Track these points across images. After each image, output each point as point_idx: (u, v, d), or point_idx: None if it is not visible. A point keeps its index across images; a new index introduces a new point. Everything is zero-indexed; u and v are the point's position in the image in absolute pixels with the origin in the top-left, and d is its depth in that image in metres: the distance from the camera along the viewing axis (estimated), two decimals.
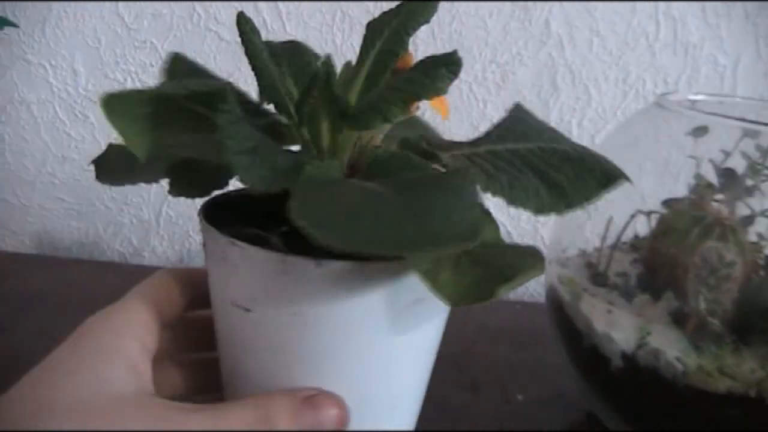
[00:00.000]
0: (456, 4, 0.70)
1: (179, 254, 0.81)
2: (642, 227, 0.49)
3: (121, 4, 0.73)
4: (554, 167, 0.32)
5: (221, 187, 0.35)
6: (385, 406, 0.35)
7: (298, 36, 0.71)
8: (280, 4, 0.72)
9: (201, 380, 0.38)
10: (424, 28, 0.36)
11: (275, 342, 0.32)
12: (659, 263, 0.45)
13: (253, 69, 0.34)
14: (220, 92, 0.30)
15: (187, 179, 0.34)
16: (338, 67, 0.36)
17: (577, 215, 0.37)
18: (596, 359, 0.44)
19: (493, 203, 0.32)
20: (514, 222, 0.78)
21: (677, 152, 0.49)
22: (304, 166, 0.29)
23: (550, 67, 0.73)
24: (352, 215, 0.26)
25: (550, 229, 0.57)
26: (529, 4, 0.71)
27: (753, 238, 0.45)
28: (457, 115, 0.74)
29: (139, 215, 0.79)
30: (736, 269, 0.41)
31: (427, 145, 0.34)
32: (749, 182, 0.47)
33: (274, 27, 0.72)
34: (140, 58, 0.74)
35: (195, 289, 0.36)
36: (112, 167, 0.36)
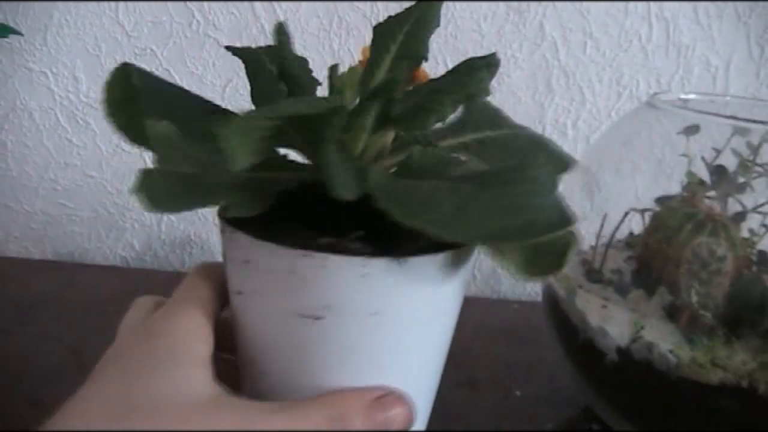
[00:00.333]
0: (451, 7, 0.71)
1: (181, 258, 0.82)
2: (637, 225, 0.50)
3: (121, 12, 0.74)
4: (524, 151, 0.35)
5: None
6: (428, 400, 0.37)
7: (296, 41, 0.72)
8: (278, 10, 0.73)
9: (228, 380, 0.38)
10: None
11: (346, 344, 0.32)
12: (653, 259, 0.46)
13: (290, 77, 0.34)
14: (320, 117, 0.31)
15: (248, 197, 0.32)
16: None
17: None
18: (591, 354, 0.45)
19: None
20: None
21: (670, 151, 0.50)
22: (367, 173, 0.30)
23: (544, 69, 0.74)
24: (459, 212, 0.27)
25: None
26: (523, 6, 0.72)
27: (745, 234, 0.46)
28: (453, 117, 0.75)
29: (141, 220, 0.80)
30: (726, 264, 0.42)
31: (428, 139, 0.35)
32: (740, 179, 0.48)
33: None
34: (140, 65, 0.75)
35: (224, 286, 0.36)
36: (163, 194, 0.32)
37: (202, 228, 0.81)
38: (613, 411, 0.47)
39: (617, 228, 0.48)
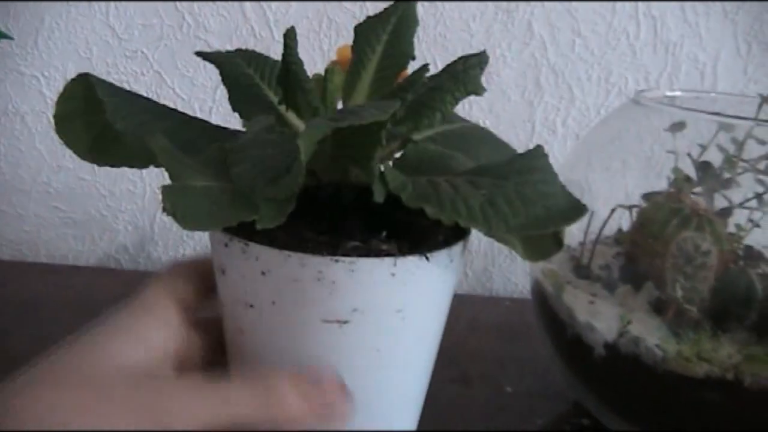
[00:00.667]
0: (440, 7, 0.71)
1: (174, 260, 0.82)
2: (627, 222, 0.50)
3: (111, 15, 0.74)
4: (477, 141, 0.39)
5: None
6: (424, 395, 0.37)
7: None
8: (268, 11, 0.73)
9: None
10: None
11: (371, 344, 0.32)
12: (640, 254, 0.47)
13: (300, 81, 0.34)
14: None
15: (276, 208, 0.31)
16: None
17: None
18: (579, 349, 0.45)
19: None
20: None
21: (655, 147, 0.50)
22: (386, 175, 0.31)
23: (533, 67, 0.74)
24: (488, 204, 0.29)
25: None
26: (512, 6, 0.72)
27: (732, 229, 0.47)
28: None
29: (134, 222, 0.81)
30: (711, 258, 0.42)
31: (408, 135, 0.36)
32: (726, 175, 0.48)
33: (262, 34, 0.73)
34: (131, 68, 0.75)
35: (207, 280, 0.36)
36: (194, 211, 0.29)
37: None
38: (602, 405, 0.48)
39: (604, 224, 0.49)
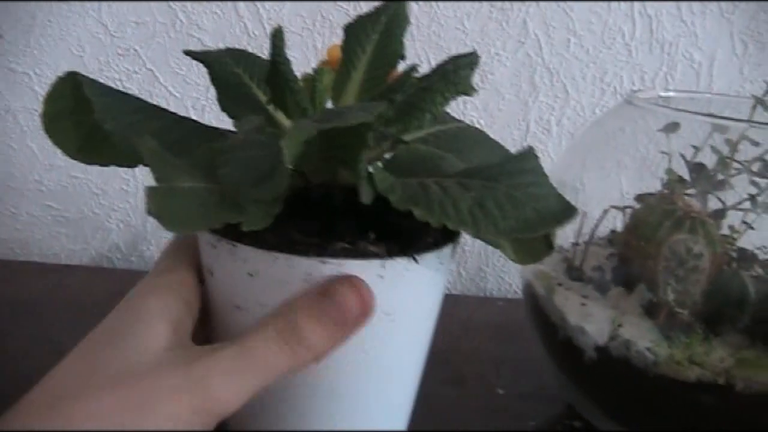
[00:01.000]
0: (434, 6, 0.71)
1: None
2: (621, 223, 0.50)
3: (104, 12, 0.73)
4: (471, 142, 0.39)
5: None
6: (412, 395, 0.37)
7: None
8: (261, 10, 0.72)
9: None
10: None
11: (359, 346, 0.32)
12: (632, 256, 0.46)
13: (288, 82, 0.34)
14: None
15: (264, 209, 0.31)
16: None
17: None
18: (571, 352, 0.45)
19: None
20: None
21: (650, 148, 0.50)
22: (374, 177, 0.31)
23: (528, 66, 0.74)
24: (477, 207, 0.29)
25: None
26: (506, 5, 0.72)
27: (725, 231, 0.46)
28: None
29: (126, 221, 0.80)
30: (704, 261, 0.42)
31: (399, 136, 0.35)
32: (719, 176, 0.48)
33: (255, 32, 0.73)
34: (124, 66, 0.75)
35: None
36: (180, 212, 0.29)
37: None
38: (594, 408, 0.47)
39: (597, 225, 0.49)
